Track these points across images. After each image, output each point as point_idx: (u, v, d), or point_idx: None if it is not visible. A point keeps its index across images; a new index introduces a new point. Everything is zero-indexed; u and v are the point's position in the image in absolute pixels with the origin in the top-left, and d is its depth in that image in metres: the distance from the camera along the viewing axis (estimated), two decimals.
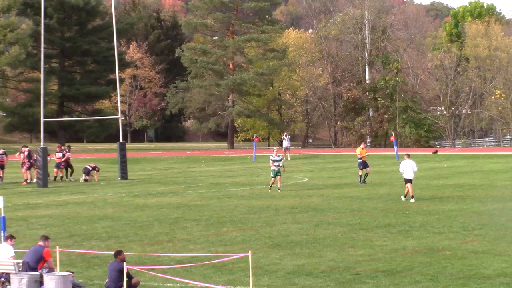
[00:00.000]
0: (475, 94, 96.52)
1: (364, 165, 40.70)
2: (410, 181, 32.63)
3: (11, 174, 49.63)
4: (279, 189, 37.14)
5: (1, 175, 46.88)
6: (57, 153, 47.80)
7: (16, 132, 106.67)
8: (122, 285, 16.30)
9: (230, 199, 34.42)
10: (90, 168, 46.80)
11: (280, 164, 37.19)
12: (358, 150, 41.47)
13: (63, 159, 47.52)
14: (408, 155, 34.17)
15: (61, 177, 47.45)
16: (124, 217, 29.31)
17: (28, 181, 45.40)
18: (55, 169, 47.51)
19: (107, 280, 16.66)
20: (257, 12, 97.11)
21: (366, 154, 41.50)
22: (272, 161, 37.24)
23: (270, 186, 37.54)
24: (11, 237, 18.20)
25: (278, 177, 37.20)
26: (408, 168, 32.85)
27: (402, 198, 32.80)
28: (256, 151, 65.89)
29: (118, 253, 16.75)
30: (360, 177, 40.40)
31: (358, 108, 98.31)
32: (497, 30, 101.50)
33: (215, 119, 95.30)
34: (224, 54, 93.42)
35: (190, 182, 44.38)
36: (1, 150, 48.22)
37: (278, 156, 37.41)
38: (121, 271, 16.23)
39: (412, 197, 32.54)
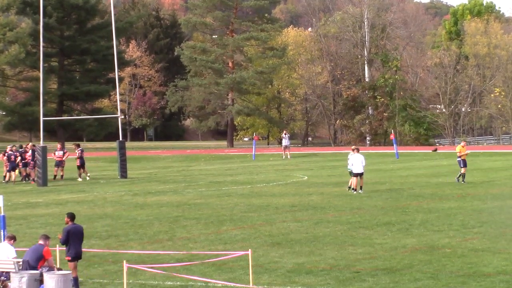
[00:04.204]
0: (474, 92, 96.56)
1: (464, 163, 38.75)
2: (359, 174, 34.21)
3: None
4: (354, 189, 34.94)
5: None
6: (57, 152, 47.62)
7: (15, 131, 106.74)
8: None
9: (230, 198, 34.39)
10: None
11: None
12: (458, 148, 39.76)
13: (63, 158, 47.44)
14: (358, 149, 35.07)
15: (62, 176, 47.32)
16: (124, 215, 29.29)
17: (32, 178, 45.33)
18: (55, 168, 47.37)
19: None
20: (257, 11, 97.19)
21: (466, 152, 39.26)
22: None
23: (352, 188, 35.10)
24: (13, 238, 18.19)
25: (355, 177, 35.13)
26: (357, 162, 34.13)
27: (353, 191, 34.33)
28: (255, 149, 65.92)
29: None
30: (461, 175, 38.43)
31: (357, 106, 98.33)
32: (496, 28, 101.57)
33: (214, 117, 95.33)
34: (223, 52, 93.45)
35: (190, 180, 44.33)
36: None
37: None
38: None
39: (361, 188, 34.31)
